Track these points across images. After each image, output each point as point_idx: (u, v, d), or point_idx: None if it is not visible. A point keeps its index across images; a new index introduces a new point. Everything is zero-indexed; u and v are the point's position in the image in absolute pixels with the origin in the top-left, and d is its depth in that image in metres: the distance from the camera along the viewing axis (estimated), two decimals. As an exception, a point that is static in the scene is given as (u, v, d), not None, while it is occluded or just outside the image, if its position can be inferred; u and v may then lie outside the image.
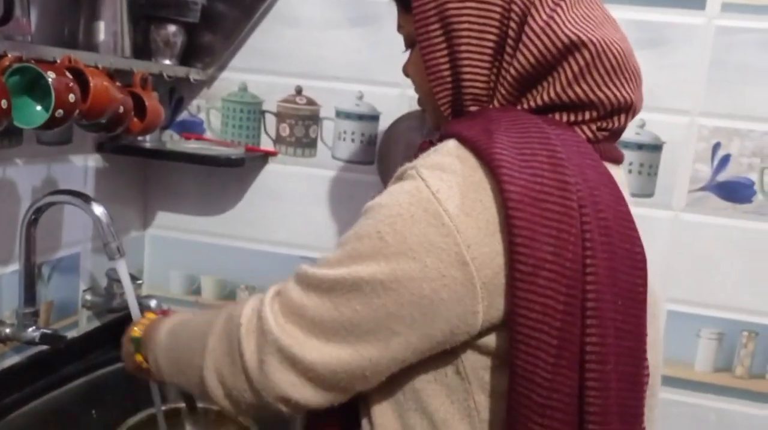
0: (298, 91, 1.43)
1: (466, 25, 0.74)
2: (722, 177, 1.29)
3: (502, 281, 0.66)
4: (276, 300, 0.73)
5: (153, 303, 1.36)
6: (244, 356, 0.73)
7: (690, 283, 1.32)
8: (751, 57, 1.24)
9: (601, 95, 0.73)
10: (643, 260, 0.70)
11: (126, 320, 1.24)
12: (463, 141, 0.70)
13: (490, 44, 0.74)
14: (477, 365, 0.71)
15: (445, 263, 0.66)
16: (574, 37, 0.71)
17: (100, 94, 0.99)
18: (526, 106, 0.75)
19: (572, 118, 0.75)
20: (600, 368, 0.66)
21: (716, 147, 1.28)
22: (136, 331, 0.96)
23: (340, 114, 1.42)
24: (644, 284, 0.70)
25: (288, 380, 0.71)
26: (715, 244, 1.30)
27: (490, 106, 0.76)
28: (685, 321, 1.33)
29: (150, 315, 1.02)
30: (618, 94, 0.74)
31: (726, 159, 1.28)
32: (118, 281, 1.27)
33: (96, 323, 1.40)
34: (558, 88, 0.73)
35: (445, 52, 0.75)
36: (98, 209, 1.10)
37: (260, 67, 1.44)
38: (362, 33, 1.38)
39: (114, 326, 1.40)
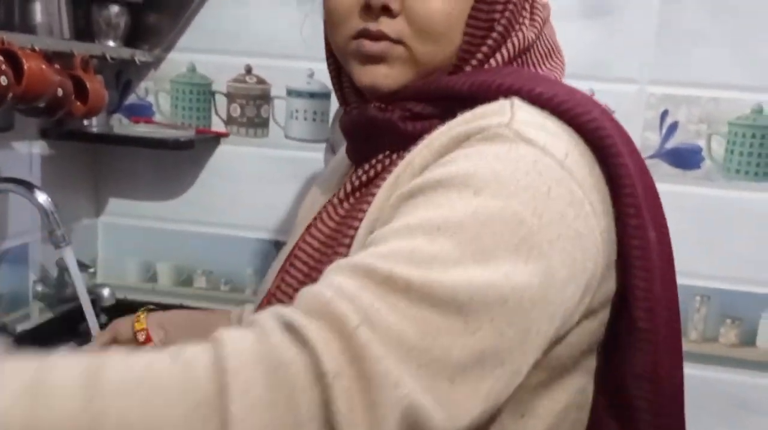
0: (248, 70, 1.41)
1: None
2: (671, 144, 1.30)
3: (611, 268, 0.59)
4: (365, 331, 0.44)
5: (106, 292, 1.34)
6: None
7: (643, 250, 1.34)
8: (698, 23, 1.25)
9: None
10: None
11: (78, 310, 1.22)
12: (544, 101, 0.58)
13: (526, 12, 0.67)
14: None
15: (587, 254, 0.55)
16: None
17: (34, 76, 0.96)
18: (520, 61, 0.68)
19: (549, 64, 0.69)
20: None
21: (664, 115, 1.29)
22: None
23: (291, 93, 1.40)
24: None
25: None
26: (666, 210, 1.32)
27: (492, 62, 0.64)
28: (639, 288, 1.35)
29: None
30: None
31: (674, 126, 1.29)
32: (68, 270, 1.25)
33: (49, 315, 1.38)
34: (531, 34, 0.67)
35: (509, 5, 0.64)
36: (41, 197, 1.07)
37: (208, 47, 1.41)
38: (311, 10, 1.36)
39: (67, 316, 1.37)
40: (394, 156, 0.65)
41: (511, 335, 0.49)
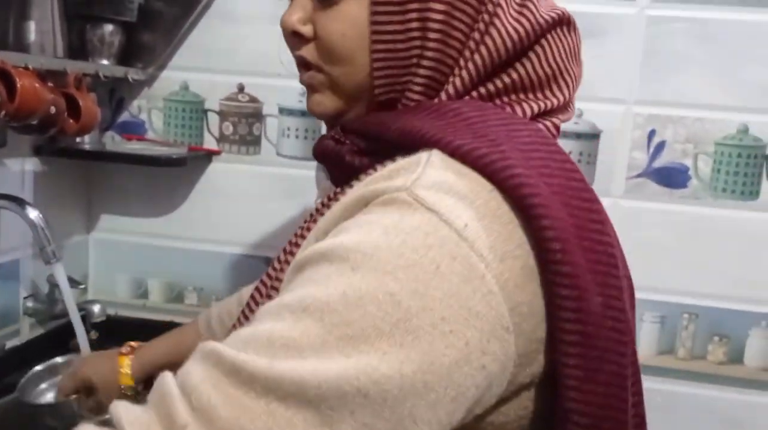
0: (240, 88, 1.42)
1: (445, 3, 0.59)
2: (658, 163, 1.32)
3: (535, 347, 0.52)
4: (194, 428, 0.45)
5: (96, 308, 1.34)
6: None
7: (631, 267, 1.34)
8: (682, 45, 1.27)
9: (574, 72, 0.64)
10: (633, 292, 0.62)
11: (70, 326, 1.22)
12: (461, 155, 0.52)
13: (463, 27, 0.60)
14: None
15: (486, 335, 0.49)
16: (555, 15, 0.62)
17: (27, 94, 0.97)
18: (483, 91, 0.61)
19: (541, 106, 0.62)
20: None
21: (651, 134, 1.31)
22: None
23: (283, 111, 1.42)
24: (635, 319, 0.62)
25: None
26: (654, 229, 1.33)
27: (442, 94, 0.60)
28: (628, 306, 1.35)
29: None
30: (579, 74, 0.65)
31: (661, 146, 1.31)
32: (59, 286, 1.25)
33: (39, 331, 1.37)
34: (543, 63, 0.62)
35: (415, 24, 0.58)
36: (32, 213, 1.08)
37: (201, 66, 1.42)
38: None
39: (57, 333, 1.37)
40: (338, 190, 0.62)
41: (380, 427, 0.46)
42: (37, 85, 1.01)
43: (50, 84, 1.10)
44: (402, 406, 0.46)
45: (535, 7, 0.61)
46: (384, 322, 0.46)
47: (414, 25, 0.58)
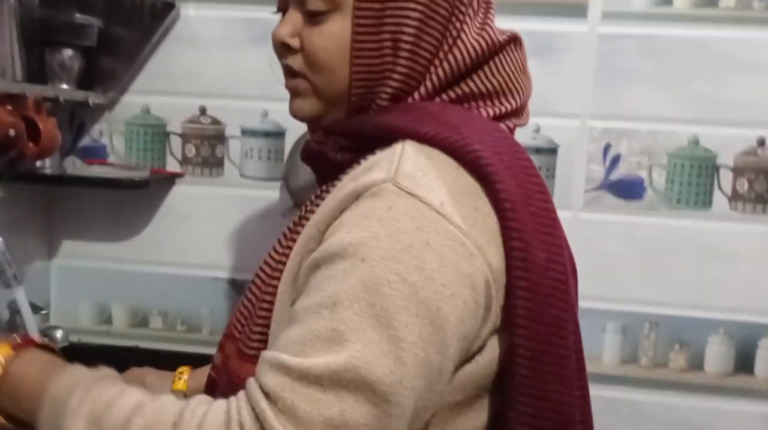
0: (202, 111, 1.43)
1: (418, 15, 0.67)
2: (615, 176, 1.35)
3: (502, 295, 0.62)
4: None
5: (59, 334, 1.32)
6: None
7: (592, 279, 1.37)
8: (633, 61, 1.32)
9: (526, 81, 0.74)
10: (575, 264, 0.72)
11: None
12: (428, 139, 0.63)
13: (433, 41, 0.69)
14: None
15: (478, 290, 0.59)
16: (507, 36, 0.72)
17: (-14, 116, 0.97)
18: (445, 97, 0.70)
19: (497, 110, 0.71)
20: (584, 379, 0.69)
21: (607, 148, 1.35)
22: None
23: (245, 132, 1.43)
24: (577, 288, 0.73)
25: None
26: (612, 240, 1.36)
27: (409, 99, 0.69)
28: (590, 317, 1.37)
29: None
30: (529, 91, 0.75)
31: (617, 159, 1.35)
32: (20, 312, 1.23)
33: (-1, 359, 1.34)
34: (497, 76, 0.71)
35: (388, 35, 0.67)
36: (-8, 237, 1.06)
37: (162, 89, 1.43)
38: (264, 51, 1.39)
39: (19, 360, 1.34)
40: (324, 188, 0.70)
41: (418, 384, 0.56)
42: (-5, 107, 1.00)
43: (9, 107, 1.09)
44: (431, 363, 0.56)
45: (492, 30, 0.72)
46: (399, 298, 0.55)
47: (387, 44, 0.67)
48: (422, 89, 0.69)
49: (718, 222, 1.33)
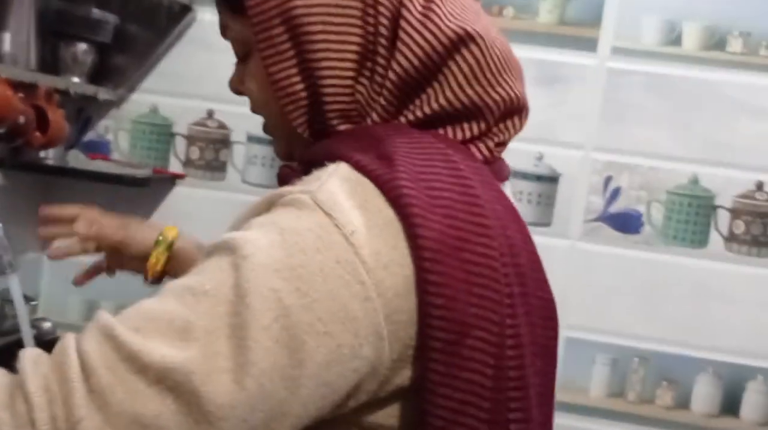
0: (210, 114, 1.44)
1: (320, 26, 0.61)
2: (614, 209, 1.37)
3: (411, 353, 0.54)
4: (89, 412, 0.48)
5: (47, 325, 1.31)
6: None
7: (585, 309, 1.38)
8: (639, 97, 1.34)
9: (496, 96, 0.62)
10: (554, 308, 0.62)
11: (17, 344, 1.19)
12: (361, 169, 0.56)
13: (355, 47, 0.61)
14: None
15: (360, 340, 0.52)
16: (460, 31, 0.60)
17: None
18: (411, 117, 0.62)
19: (467, 133, 0.63)
20: None
21: (608, 180, 1.36)
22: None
23: (251, 138, 1.43)
24: (556, 337, 0.62)
25: None
26: (608, 272, 1.37)
27: (369, 120, 0.63)
28: (580, 347, 1.38)
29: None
30: (511, 92, 0.63)
31: (617, 192, 1.36)
32: (10, 301, 1.22)
33: (-16, 347, 1.33)
34: (448, 93, 0.61)
35: (295, 60, 0.62)
36: (-8, 221, 1.06)
37: (172, 90, 1.44)
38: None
39: (3, 350, 1.33)
40: None
41: (254, 418, 0.49)
42: (8, 93, 1.01)
43: (20, 95, 1.10)
44: (274, 399, 0.49)
45: (440, 17, 0.61)
46: (264, 316, 0.49)
47: (294, 71, 0.62)
48: (378, 106, 0.62)
49: (713, 261, 1.35)
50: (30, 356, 0.51)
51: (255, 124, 1.42)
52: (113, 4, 1.36)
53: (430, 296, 0.52)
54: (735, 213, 1.34)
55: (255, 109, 0.69)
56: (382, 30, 0.61)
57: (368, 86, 0.62)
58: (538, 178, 1.36)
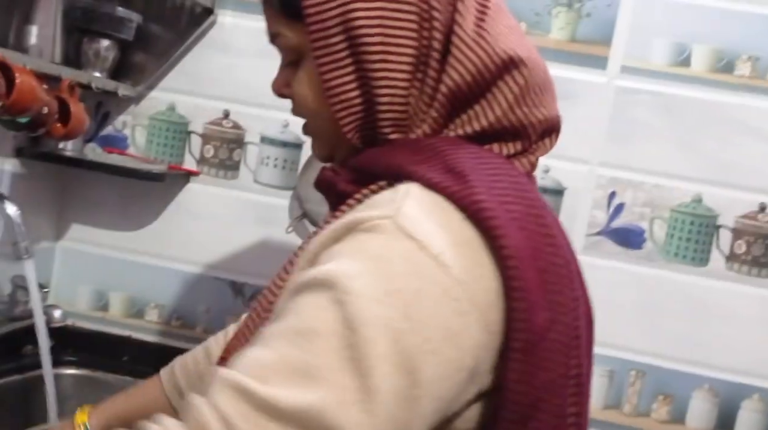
0: (226, 114, 1.47)
1: (378, 37, 0.62)
2: (617, 224, 1.39)
3: (497, 358, 0.58)
4: None
5: (57, 313, 1.33)
6: None
7: (585, 322, 1.40)
8: (646, 116, 1.36)
9: (540, 116, 0.66)
10: (592, 313, 0.68)
11: (28, 330, 1.22)
12: (434, 187, 0.58)
13: (409, 58, 0.63)
14: None
15: (463, 352, 0.55)
16: (511, 53, 0.63)
17: (25, 90, 1.00)
18: (460, 132, 0.65)
19: (511, 150, 0.66)
20: None
21: (612, 196, 1.39)
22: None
23: (264, 140, 1.46)
24: (593, 340, 0.67)
25: None
26: (608, 286, 1.39)
27: (419, 131, 0.65)
28: (579, 359, 1.40)
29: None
30: (550, 113, 0.68)
31: (620, 207, 1.39)
32: (24, 288, 1.25)
33: (-5, 332, 1.36)
34: (498, 112, 0.64)
35: (351, 68, 0.63)
36: (11, 208, 1.09)
37: (190, 89, 1.47)
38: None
39: (12, 336, 1.36)
40: (329, 217, 0.67)
41: (398, 427, 0.53)
42: (34, 83, 1.04)
43: (45, 86, 1.13)
44: (399, 420, 0.52)
45: (491, 35, 0.64)
46: (379, 344, 0.51)
47: (349, 78, 0.63)
48: (429, 118, 0.64)
49: (713, 280, 1.37)
50: (167, 425, 0.54)
51: (269, 126, 1.47)
52: (137, 4, 1.40)
53: (515, 302, 0.56)
54: (737, 233, 1.36)
55: (299, 112, 0.70)
56: (435, 44, 0.63)
57: (418, 97, 0.64)
58: (544, 190, 1.39)
